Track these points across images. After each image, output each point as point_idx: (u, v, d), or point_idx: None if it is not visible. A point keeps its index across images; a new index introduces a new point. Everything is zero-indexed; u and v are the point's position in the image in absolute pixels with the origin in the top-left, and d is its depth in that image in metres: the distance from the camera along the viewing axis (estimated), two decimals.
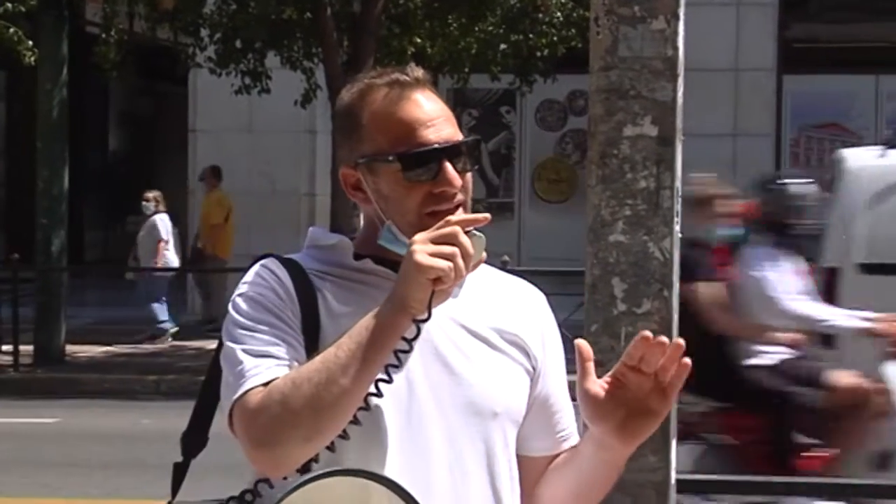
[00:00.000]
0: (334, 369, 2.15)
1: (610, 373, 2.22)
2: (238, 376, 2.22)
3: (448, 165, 2.29)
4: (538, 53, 14.78)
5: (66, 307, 15.10)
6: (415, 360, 2.27)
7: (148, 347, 16.16)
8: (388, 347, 2.17)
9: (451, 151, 2.30)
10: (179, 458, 2.44)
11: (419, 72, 2.37)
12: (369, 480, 1.95)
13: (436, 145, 2.29)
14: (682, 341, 2.19)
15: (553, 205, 19.25)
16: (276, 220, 18.09)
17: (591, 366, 2.23)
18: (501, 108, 19.23)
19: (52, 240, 14.91)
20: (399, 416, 2.26)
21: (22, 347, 14.50)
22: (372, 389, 2.19)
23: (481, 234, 2.22)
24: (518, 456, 2.39)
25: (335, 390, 2.14)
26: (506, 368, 2.35)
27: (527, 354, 2.37)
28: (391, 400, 2.25)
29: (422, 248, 2.14)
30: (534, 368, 2.38)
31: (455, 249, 2.14)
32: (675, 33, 3.42)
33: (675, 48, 3.43)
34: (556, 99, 18.96)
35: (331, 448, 2.19)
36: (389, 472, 2.21)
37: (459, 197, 2.31)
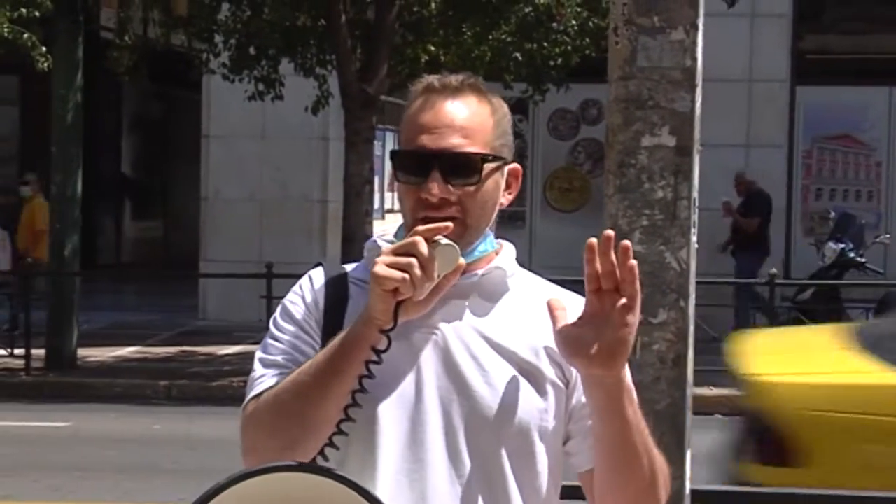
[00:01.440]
0: (307, 381, 2.20)
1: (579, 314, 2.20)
2: (249, 384, 2.31)
3: (435, 173, 2.27)
4: (552, 62, 14.76)
5: (79, 311, 15.11)
6: (428, 369, 2.29)
7: (159, 352, 16.13)
8: (356, 359, 2.19)
9: (442, 159, 2.28)
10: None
11: (451, 78, 2.37)
12: (324, 477, 1.95)
13: (423, 151, 2.29)
14: (627, 243, 2.14)
15: (565, 214, 19.23)
16: (288, 227, 18.10)
17: (562, 314, 2.20)
18: (514, 116, 19.21)
19: (65, 244, 14.92)
20: (404, 422, 2.27)
21: (34, 351, 14.52)
22: (349, 401, 2.21)
23: (452, 244, 2.21)
24: (578, 473, 2.38)
25: (306, 402, 2.20)
26: (527, 381, 2.31)
27: (559, 366, 2.33)
28: (398, 406, 2.27)
29: (382, 260, 2.17)
30: (568, 381, 2.34)
31: (411, 260, 2.15)
32: (694, 44, 3.43)
33: (694, 59, 3.43)
34: (569, 108, 18.95)
35: (322, 454, 2.22)
36: (386, 477, 2.24)
37: (451, 210, 2.28)
